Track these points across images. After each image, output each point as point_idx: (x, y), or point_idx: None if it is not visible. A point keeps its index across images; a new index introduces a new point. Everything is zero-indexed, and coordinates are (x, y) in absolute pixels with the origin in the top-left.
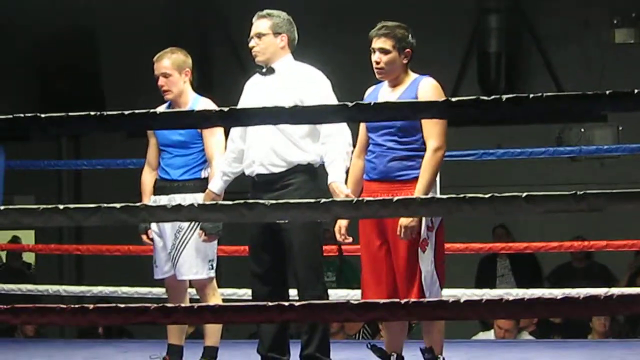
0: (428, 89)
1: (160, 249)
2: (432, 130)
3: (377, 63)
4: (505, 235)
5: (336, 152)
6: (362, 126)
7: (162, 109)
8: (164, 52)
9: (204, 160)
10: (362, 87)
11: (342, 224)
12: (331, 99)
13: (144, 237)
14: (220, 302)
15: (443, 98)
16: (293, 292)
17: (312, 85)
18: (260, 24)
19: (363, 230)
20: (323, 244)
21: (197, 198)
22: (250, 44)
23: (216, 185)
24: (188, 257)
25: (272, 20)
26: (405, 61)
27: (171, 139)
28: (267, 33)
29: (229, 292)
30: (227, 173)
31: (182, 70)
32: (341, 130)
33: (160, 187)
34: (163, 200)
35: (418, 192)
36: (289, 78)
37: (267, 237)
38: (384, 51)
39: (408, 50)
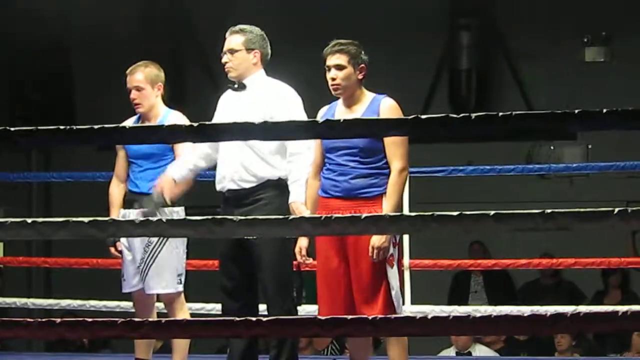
0: (390, 109)
1: (129, 263)
2: (396, 152)
3: (333, 79)
4: (481, 252)
5: (300, 171)
6: (318, 146)
7: (131, 121)
8: (137, 65)
9: None
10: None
11: (302, 244)
12: (301, 116)
13: (112, 249)
14: (188, 317)
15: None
16: (263, 307)
17: (283, 102)
18: (233, 40)
19: (320, 247)
20: (292, 259)
21: (166, 212)
22: (223, 60)
23: (177, 171)
24: (157, 271)
25: (245, 36)
26: (360, 77)
27: (141, 152)
28: (239, 49)
29: (197, 306)
30: (192, 163)
31: (154, 84)
32: (307, 149)
33: (130, 201)
34: (132, 214)
35: (387, 212)
36: (260, 94)
37: (237, 252)
38: (340, 67)
39: (362, 65)
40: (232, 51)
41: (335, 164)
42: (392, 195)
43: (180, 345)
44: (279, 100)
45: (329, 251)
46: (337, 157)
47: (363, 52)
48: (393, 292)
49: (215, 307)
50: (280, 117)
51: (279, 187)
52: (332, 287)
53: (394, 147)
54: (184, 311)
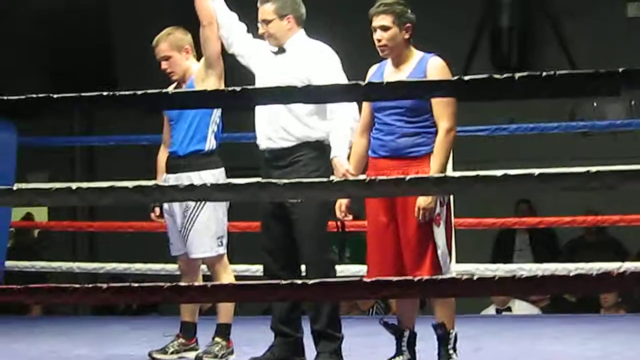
0: (437, 68)
1: (172, 227)
2: (443, 112)
3: (379, 41)
4: (528, 211)
5: (341, 127)
6: (366, 105)
7: (172, 88)
8: (160, 35)
9: (206, 130)
10: (371, 63)
11: (342, 201)
12: (339, 76)
13: (152, 214)
14: (232, 279)
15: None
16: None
17: (321, 63)
18: (265, 10)
19: (370, 207)
20: (331, 219)
21: (201, 176)
22: (260, 31)
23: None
24: (196, 235)
25: (276, 4)
26: (406, 37)
27: (171, 112)
28: (272, 18)
29: (241, 268)
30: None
31: (181, 49)
32: (347, 105)
33: (170, 166)
34: (171, 179)
35: (433, 172)
36: (298, 56)
37: (278, 211)
38: (385, 28)
39: (409, 25)
40: (265, 21)
41: (383, 123)
42: (439, 154)
43: (226, 308)
44: (316, 62)
45: (378, 211)
46: (385, 117)
47: (409, 11)
48: (439, 252)
49: (260, 269)
50: (318, 78)
51: (318, 148)
52: (381, 247)
53: (441, 107)
54: (228, 273)
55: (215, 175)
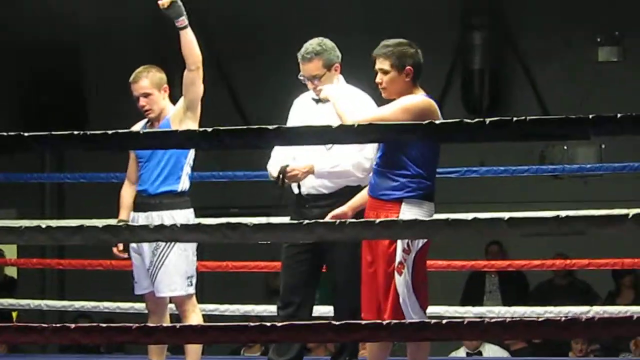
0: (398, 102)
1: (139, 265)
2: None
3: (380, 84)
4: (499, 252)
5: (345, 157)
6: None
7: (140, 125)
8: (139, 72)
9: (181, 171)
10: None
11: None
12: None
13: (115, 250)
14: (200, 319)
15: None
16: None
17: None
18: (312, 66)
19: (362, 248)
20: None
21: (173, 215)
22: (309, 86)
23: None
24: (166, 274)
25: (322, 58)
26: (407, 79)
27: (148, 152)
28: (322, 73)
29: (211, 307)
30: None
31: (160, 88)
32: (357, 151)
33: (139, 204)
34: (141, 217)
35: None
36: None
37: (309, 249)
38: (384, 72)
39: (409, 67)
40: (316, 77)
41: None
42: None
43: (194, 348)
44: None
45: (364, 252)
46: (376, 156)
47: (413, 51)
48: (400, 300)
49: (229, 308)
50: None
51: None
52: (365, 289)
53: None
54: (196, 313)
55: (186, 216)
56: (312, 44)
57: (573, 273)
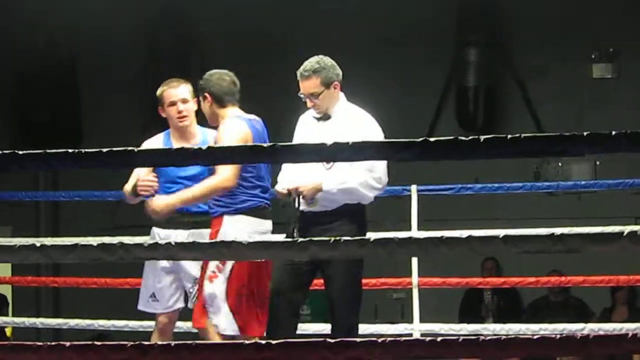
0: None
1: (169, 285)
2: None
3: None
4: (494, 269)
5: (353, 176)
6: None
7: (160, 138)
8: (176, 80)
9: None
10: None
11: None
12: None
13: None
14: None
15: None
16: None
17: (363, 128)
18: (310, 84)
19: None
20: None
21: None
22: (308, 104)
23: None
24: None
25: (321, 76)
26: (210, 104)
27: (186, 172)
28: (321, 90)
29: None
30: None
31: (193, 99)
32: (363, 169)
33: (172, 221)
34: (181, 235)
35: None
36: (342, 121)
37: (305, 265)
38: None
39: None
40: (314, 95)
41: None
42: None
43: None
44: (359, 127)
45: None
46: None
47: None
48: (206, 305)
49: None
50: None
51: (357, 210)
52: None
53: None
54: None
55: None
56: (311, 61)
57: (568, 290)
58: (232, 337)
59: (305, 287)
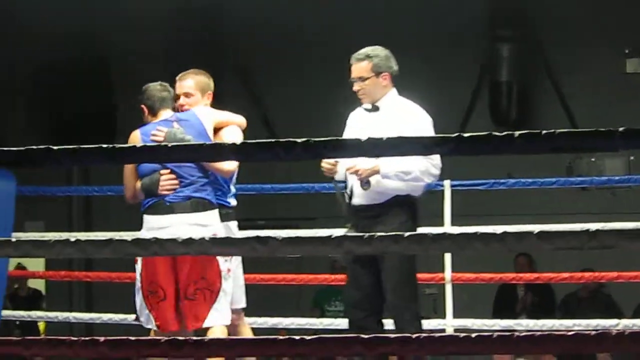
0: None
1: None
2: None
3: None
4: (526, 265)
5: (412, 161)
6: None
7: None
8: (187, 72)
9: (232, 186)
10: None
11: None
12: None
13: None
14: (250, 332)
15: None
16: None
17: (413, 122)
18: (361, 67)
19: None
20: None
21: (230, 226)
22: (354, 88)
23: None
24: (234, 286)
25: (372, 62)
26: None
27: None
28: (369, 76)
29: (250, 320)
30: None
31: (205, 92)
32: (424, 158)
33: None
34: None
35: None
36: (391, 115)
37: (367, 261)
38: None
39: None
40: (361, 79)
41: None
42: None
43: None
44: (409, 121)
45: None
46: None
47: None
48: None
49: (257, 321)
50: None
51: (407, 203)
52: None
53: None
54: (246, 326)
55: (230, 227)
56: (368, 48)
57: (600, 286)
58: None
59: (374, 287)
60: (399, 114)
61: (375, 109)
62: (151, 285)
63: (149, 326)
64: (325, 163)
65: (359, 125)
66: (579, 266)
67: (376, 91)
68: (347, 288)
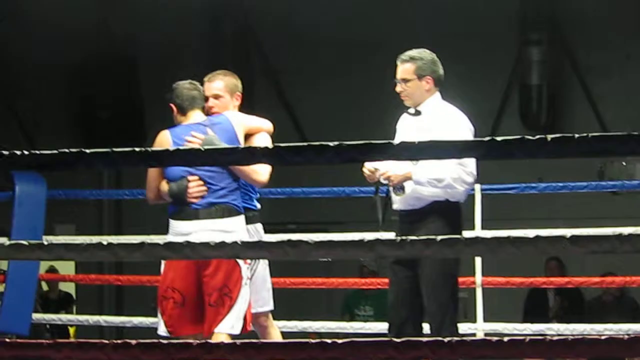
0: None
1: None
2: None
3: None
4: (557, 269)
5: (445, 167)
6: None
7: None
8: (216, 73)
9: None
10: None
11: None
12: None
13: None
14: (279, 334)
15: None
16: None
17: (453, 128)
18: (404, 69)
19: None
20: (456, 277)
21: (257, 228)
22: (397, 89)
23: None
24: (261, 288)
25: (416, 64)
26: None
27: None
28: (411, 78)
29: (280, 324)
30: None
31: (233, 94)
32: (455, 164)
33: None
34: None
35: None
36: (432, 119)
37: (407, 265)
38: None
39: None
40: (404, 80)
41: None
42: None
43: None
44: (449, 126)
45: None
46: None
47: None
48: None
49: (287, 325)
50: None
51: (448, 207)
52: None
53: None
54: (275, 328)
55: (257, 230)
56: (414, 50)
57: (623, 290)
58: (165, 338)
59: (414, 290)
60: (440, 119)
61: (417, 113)
62: (167, 291)
63: (159, 332)
64: (366, 169)
65: (404, 129)
66: (600, 271)
67: (418, 94)
68: (389, 291)
